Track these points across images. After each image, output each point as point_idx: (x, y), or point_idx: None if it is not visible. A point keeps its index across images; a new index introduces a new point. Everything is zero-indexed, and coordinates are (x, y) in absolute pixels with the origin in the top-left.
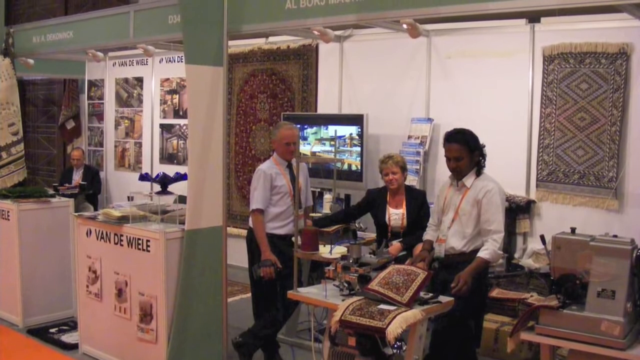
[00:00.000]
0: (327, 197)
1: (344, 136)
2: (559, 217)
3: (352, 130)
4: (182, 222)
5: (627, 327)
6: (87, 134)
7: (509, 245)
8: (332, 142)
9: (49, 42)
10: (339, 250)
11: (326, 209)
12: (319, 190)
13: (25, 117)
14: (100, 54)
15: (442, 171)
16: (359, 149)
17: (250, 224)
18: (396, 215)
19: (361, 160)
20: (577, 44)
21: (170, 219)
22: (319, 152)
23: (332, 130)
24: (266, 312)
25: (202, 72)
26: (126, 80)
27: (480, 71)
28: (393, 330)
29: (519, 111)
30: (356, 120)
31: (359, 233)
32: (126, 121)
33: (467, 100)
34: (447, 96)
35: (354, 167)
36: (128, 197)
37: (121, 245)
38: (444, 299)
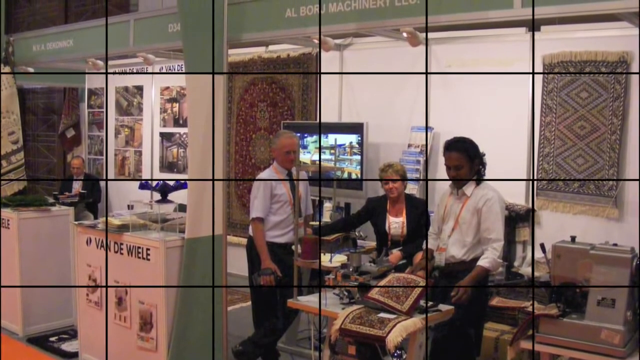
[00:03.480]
0: (327, 205)
1: (344, 144)
2: (559, 225)
3: (352, 138)
4: (182, 231)
5: (627, 336)
6: (87, 143)
7: (508, 254)
8: (332, 151)
9: (49, 50)
10: (339, 258)
11: (326, 218)
12: (318, 198)
13: (25, 125)
14: (100, 63)
15: None
16: (359, 157)
17: (250, 232)
18: (396, 223)
19: (361, 169)
20: (577, 52)
21: (170, 227)
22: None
23: (332, 138)
24: (266, 320)
25: (202, 80)
26: (126, 88)
27: (480, 80)
28: (393, 338)
29: (519, 120)
30: (356, 128)
31: (359, 241)
32: (126, 130)
33: (467, 109)
34: (447, 105)
35: (354, 176)
36: (128, 206)
37: (121, 253)
38: (444, 307)
